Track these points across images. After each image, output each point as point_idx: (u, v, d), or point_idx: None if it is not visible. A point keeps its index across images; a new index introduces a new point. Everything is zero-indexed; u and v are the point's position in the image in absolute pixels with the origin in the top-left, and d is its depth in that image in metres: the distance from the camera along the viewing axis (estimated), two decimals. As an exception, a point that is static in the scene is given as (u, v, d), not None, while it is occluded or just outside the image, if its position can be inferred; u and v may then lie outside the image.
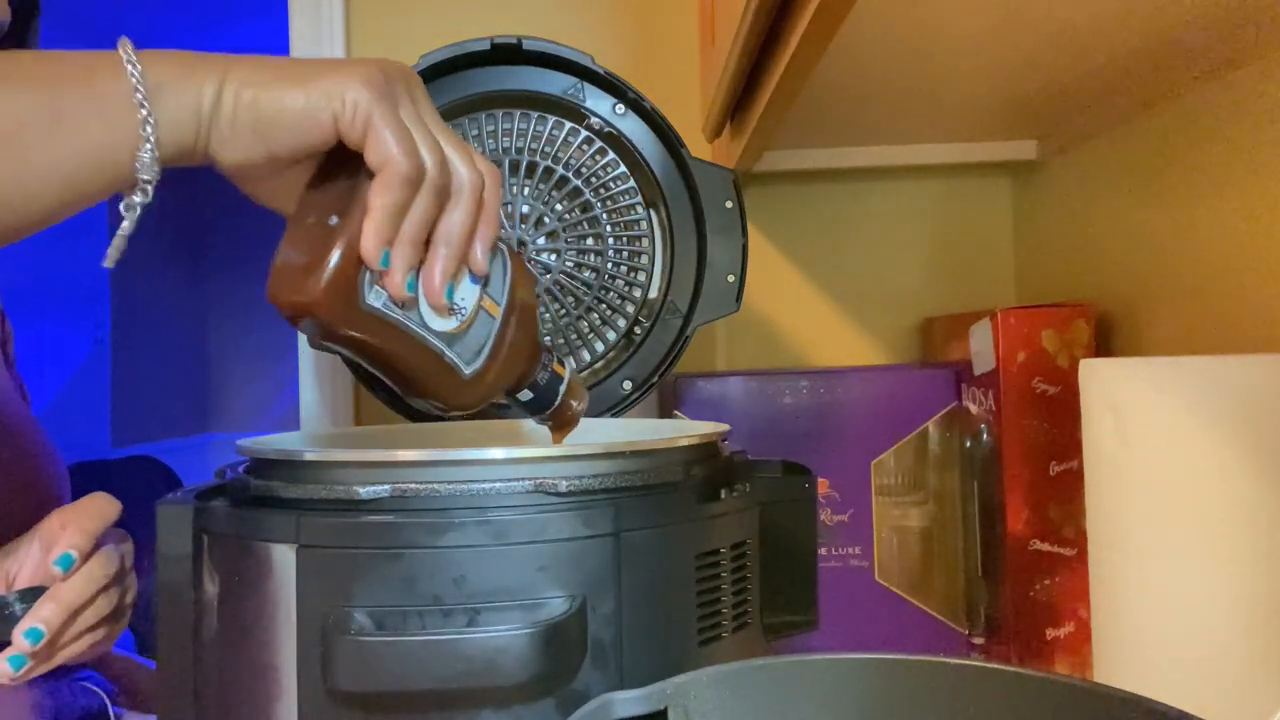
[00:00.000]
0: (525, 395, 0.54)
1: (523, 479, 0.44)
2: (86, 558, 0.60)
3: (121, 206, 0.44)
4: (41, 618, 0.58)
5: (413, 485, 0.44)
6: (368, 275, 0.44)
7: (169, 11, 3.03)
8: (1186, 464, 0.51)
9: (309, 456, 0.47)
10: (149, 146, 0.42)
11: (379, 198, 0.43)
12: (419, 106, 0.46)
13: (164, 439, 4.05)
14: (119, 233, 0.44)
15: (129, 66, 0.42)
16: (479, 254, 0.48)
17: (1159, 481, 0.52)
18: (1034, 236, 1.03)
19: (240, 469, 0.53)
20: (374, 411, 1.07)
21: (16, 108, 0.41)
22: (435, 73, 0.76)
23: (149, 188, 0.43)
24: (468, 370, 0.49)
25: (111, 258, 0.45)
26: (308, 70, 0.44)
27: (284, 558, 0.43)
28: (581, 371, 0.78)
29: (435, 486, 0.44)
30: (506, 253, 0.52)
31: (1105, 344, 0.84)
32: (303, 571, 0.43)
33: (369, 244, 0.43)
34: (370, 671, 0.40)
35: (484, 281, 0.49)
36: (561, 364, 0.55)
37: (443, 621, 0.42)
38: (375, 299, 0.45)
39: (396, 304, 0.46)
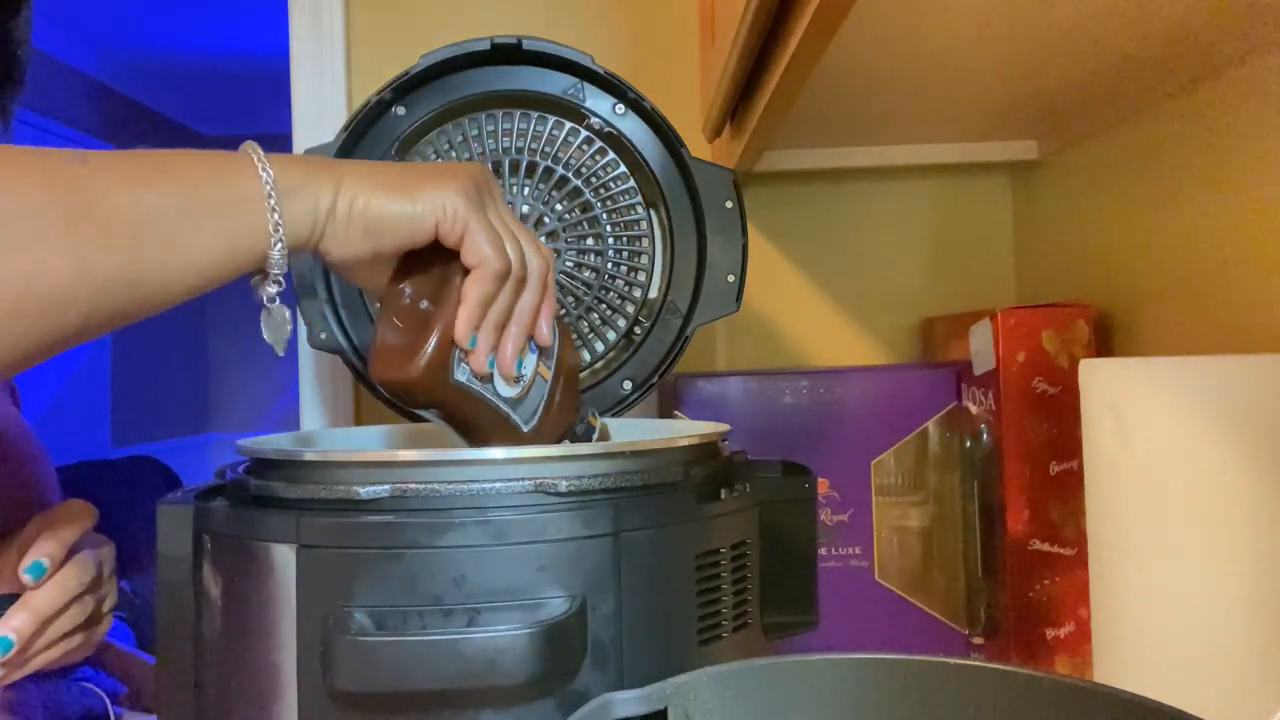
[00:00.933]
0: (565, 445, 0.60)
1: (523, 479, 0.44)
2: (61, 564, 0.60)
3: (264, 300, 0.50)
4: (12, 626, 0.58)
5: (413, 485, 0.44)
6: (456, 354, 0.51)
7: (170, 13, 3.03)
8: (1186, 464, 0.51)
9: (309, 456, 0.47)
10: (280, 246, 0.48)
11: (474, 290, 0.50)
12: (499, 205, 0.53)
13: (164, 439, 4.05)
14: (287, 326, 0.52)
15: (261, 171, 0.47)
16: (544, 330, 0.55)
17: (1159, 481, 0.52)
18: (1034, 236, 1.03)
19: (240, 469, 0.53)
20: (374, 411, 1.07)
21: (163, 202, 0.45)
22: (435, 73, 0.76)
23: (281, 279, 0.49)
24: (526, 428, 0.55)
25: (281, 348, 0.53)
26: (413, 181, 0.50)
27: (284, 558, 0.43)
28: (581, 372, 0.78)
29: (435, 486, 0.44)
30: (557, 322, 0.58)
31: (1105, 344, 0.84)
32: (303, 571, 0.43)
33: (463, 329, 0.50)
34: (370, 671, 0.40)
35: (540, 351, 0.56)
36: (595, 415, 0.62)
37: (443, 621, 0.42)
38: (461, 374, 0.51)
39: (478, 378, 0.52)
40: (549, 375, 0.57)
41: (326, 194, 0.49)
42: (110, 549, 0.66)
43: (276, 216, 0.47)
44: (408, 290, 0.53)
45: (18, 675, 0.60)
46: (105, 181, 0.44)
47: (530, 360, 0.55)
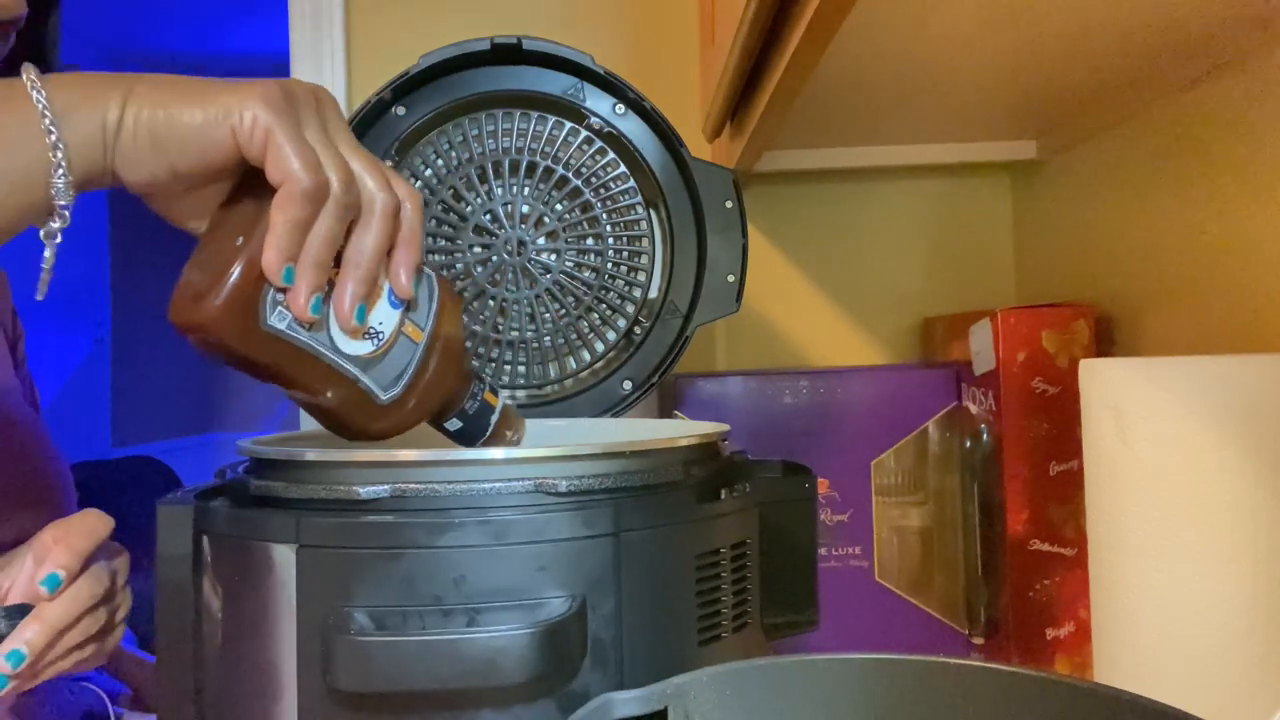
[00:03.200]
0: (453, 424, 0.53)
1: (523, 479, 0.44)
2: (76, 576, 0.60)
3: (41, 235, 0.44)
4: (24, 639, 0.57)
5: (413, 485, 0.44)
6: (270, 295, 0.43)
7: (170, 13, 3.03)
8: (1186, 464, 0.51)
9: (309, 456, 0.47)
10: (62, 171, 0.42)
11: (280, 213, 0.43)
12: (329, 125, 0.46)
13: (164, 439, 4.05)
14: (45, 265, 0.45)
15: (34, 93, 0.42)
16: (402, 277, 0.47)
17: (1159, 481, 0.52)
18: (1034, 236, 1.03)
19: (240, 469, 0.53)
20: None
21: None
22: (435, 73, 0.76)
23: (66, 213, 0.43)
24: (384, 396, 0.48)
25: (41, 291, 0.45)
26: (208, 89, 0.44)
27: (284, 558, 0.43)
28: (581, 372, 0.78)
29: (435, 486, 0.44)
30: (435, 279, 0.51)
31: (1105, 344, 0.84)
32: (303, 571, 0.43)
33: (270, 259, 0.43)
34: (370, 671, 0.40)
35: (406, 306, 0.48)
36: (494, 393, 0.54)
37: (443, 621, 0.42)
38: (279, 320, 0.44)
39: (303, 325, 0.45)
40: (420, 336, 0.49)
41: (114, 109, 0.43)
42: (125, 559, 0.65)
43: (54, 139, 0.42)
44: (222, 225, 0.45)
45: (29, 685, 0.60)
46: None
47: (388, 314, 0.47)
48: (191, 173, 0.44)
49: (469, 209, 0.78)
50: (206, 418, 4.54)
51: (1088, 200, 0.90)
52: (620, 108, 0.77)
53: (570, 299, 0.78)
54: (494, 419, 0.53)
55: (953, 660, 0.40)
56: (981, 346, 0.81)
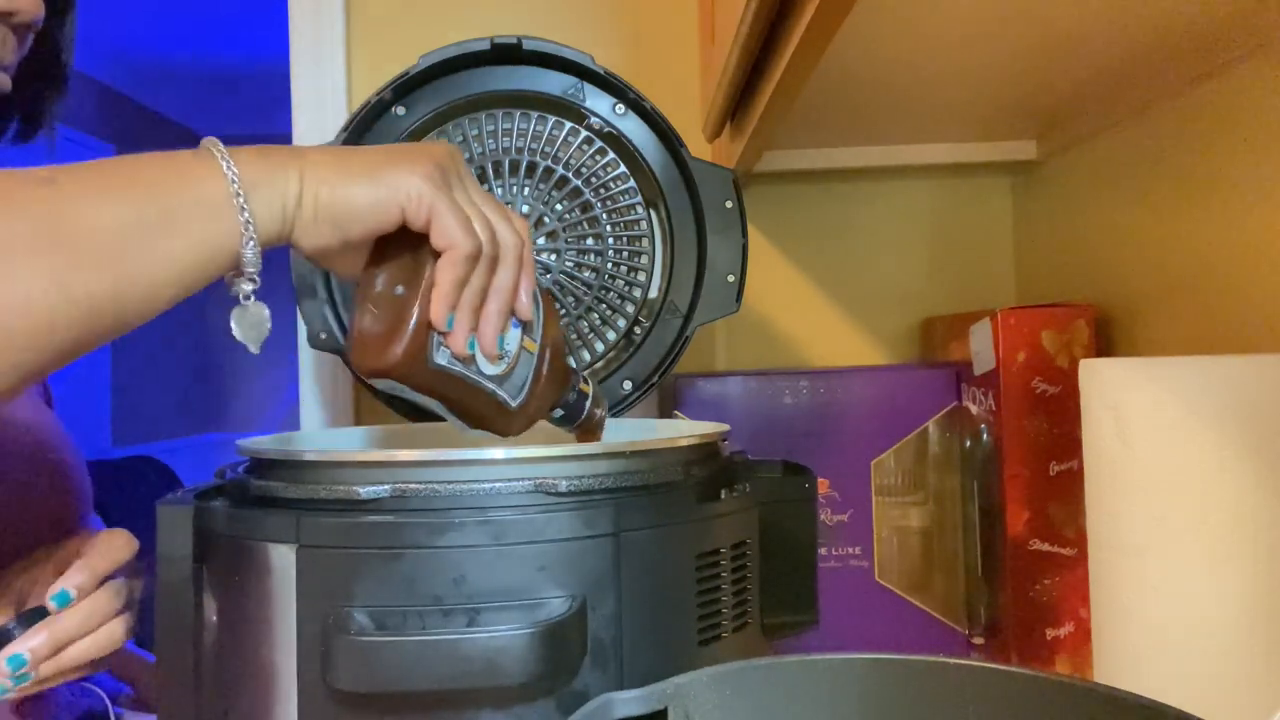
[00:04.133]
0: (557, 414, 0.60)
1: (523, 479, 0.44)
2: (90, 593, 0.61)
3: (239, 296, 0.49)
4: (28, 646, 0.59)
5: (413, 485, 0.44)
6: (434, 338, 0.50)
7: (170, 15, 3.03)
8: (1186, 464, 0.51)
9: (309, 456, 0.47)
10: (252, 242, 0.47)
11: (445, 274, 0.49)
12: (466, 184, 0.52)
13: (164, 439, 4.05)
14: (265, 325, 0.51)
15: (225, 168, 0.46)
16: (524, 303, 0.54)
17: (1159, 481, 0.52)
18: (1034, 236, 1.03)
19: (240, 469, 0.53)
20: (374, 412, 1.07)
21: (126, 215, 0.44)
22: (435, 73, 0.76)
23: (257, 276, 0.49)
24: (514, 403, 0.55)
25: (256, 347, 0.52)
26: (374, 165, 0.49)
27: (284, 558, 0.43)
28: (581, 372, 0.78)
29: (435, 486, 0.44)
30: (538, 293, 0.57)
31: (1105, 344, 0.84)
32: (303, 571, 0.43)
33: (438, 313, 0.49)
34: (370, 671, 0.40)
35: (524, 324, 0.55)
36: (586, 381, 0.61)
37: (443, 621, 0.42)
38: (441, 357, 0.51)
39: (459, 359, 0.51)
40: (534, 348, 0.56)
41: (293, 184, 0.48)
42: (140, 582, 0.66)
43: (246, 215, 0.47)
44: (382, 276, 0.52)
45: (31, 692, 0.61)
46: (75, 200, 0.44)
47: (513, 335, 0.54)
48: (360, 240, 0.50)
49: (469, 209, 0.78)
50: (206, 418, 4.54)
51: (1088, 200, 0.90)
52: (620, 108, 0.77)
53: (570, 299, 0.78)
54: (588, 404, 0.61)
55: (953, 660, 0.40)
56: (981, 346, 0.81)
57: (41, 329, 0.42)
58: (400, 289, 0.51)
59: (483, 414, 0.54)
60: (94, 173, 0.45)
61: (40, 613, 0.61)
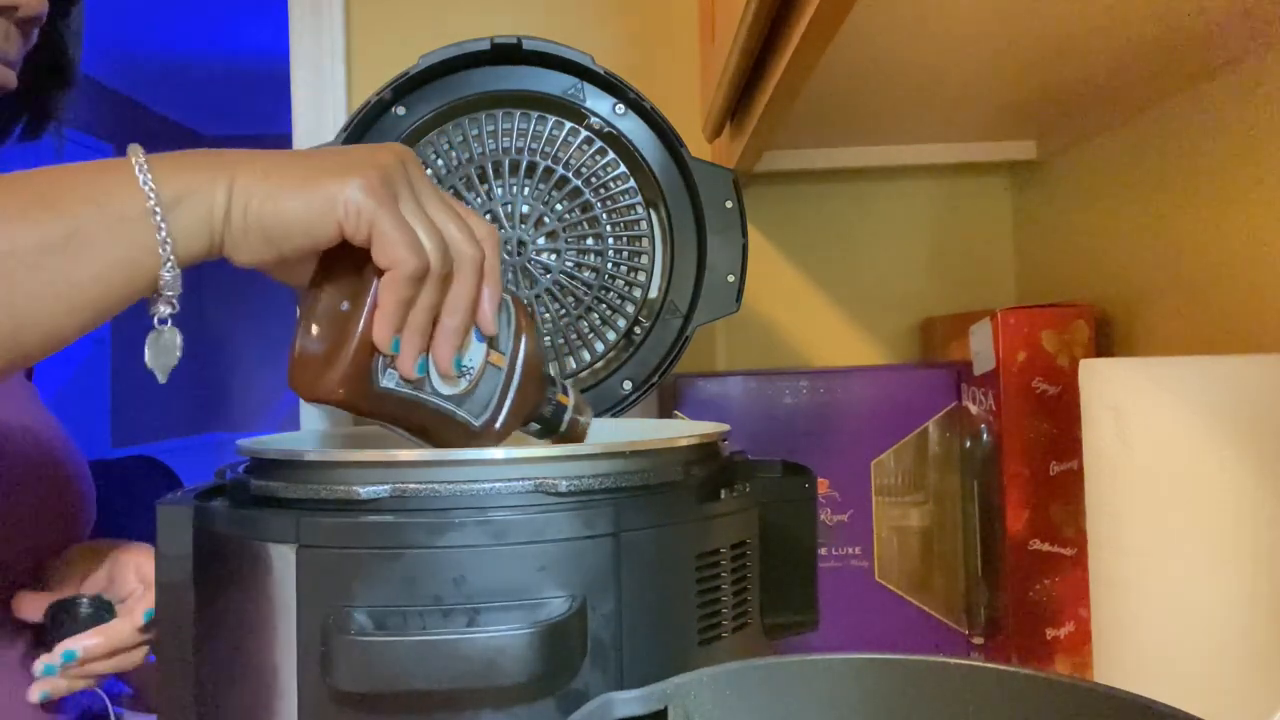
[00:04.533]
0: (533, 427, 0.56)
1: (523, 479, 0.44)
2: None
3: (155, 320, 0.46)
4: (84, 646, 0.61)
5: (413, 485, 0.44)
6: (380, 360, 0.47)
7: (170, 14, 3.03)
8: (1186, 464, 0.51)
9: (309, 456, 0.47)
10: (170, 263, 0.44)
11: (388, 294, 0.45)
12: (417, 191, 0.47)
13: (164, 439, 4.05)
14: (175, 353, 0.47)
15: (143, 182, 0.43)
16: (487, 317, 0.49)
17: (1159, 481, 0.52)
18: (1034, 236, 1.03)
19: (240, 469, 0.53)
20: (374, 411, 1.07)
21: (36, 235, 0.41)
22: (435, 73, 0.76)
23: (174, 300, 0.45)
24: (477, 423, 0.51)
25: (162, 376, 0.48)
26: (309, 174, 0.45)
27: (284, 558, 0.43)
28: (581, 372, 0.78)
29: (435, 486, 0.44)
30: (510, 302, 0.53)
31: (1105, 344, 0.84)
32: (303, 571, 0.43)
33: (381, 335, 0.46)
34: (370, 671, 0.39)
35: (490, 338, 0.51)
36: (566, 391, 0.57)
37: (443, 621, 0.42)
38: (388, 380, 0.47)
39: (408, 383, 0.48)
40: (503, 362, 0.52)
41: (220, 197, 0.44)
42: None
43: (163, 234, 0.43)
44: (326, 290, 0.48)
45: (65, 688, 0.62)
46: None
47: (476, 350, 0.50)
48: (297, 255, 0.46)
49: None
50: (206, 418, 4.55)
51: (1088, 200, 0.90)
52: (620, 108, 0.77)
53: (570, 299, 0.78)
54: (568, 415, 0.56)
55: (953, 660, 0.40)
56: (981, 346, 0.81)
57: None
58: (345, 305, 0.47)
59: (440, 436, 0.50)
60: (5, 189, 0.42)
61: (107, 607, 0.62)
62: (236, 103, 3.91)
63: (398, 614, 0.42)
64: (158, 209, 0.43)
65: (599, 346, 0.78)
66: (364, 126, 0.76)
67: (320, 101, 1.07)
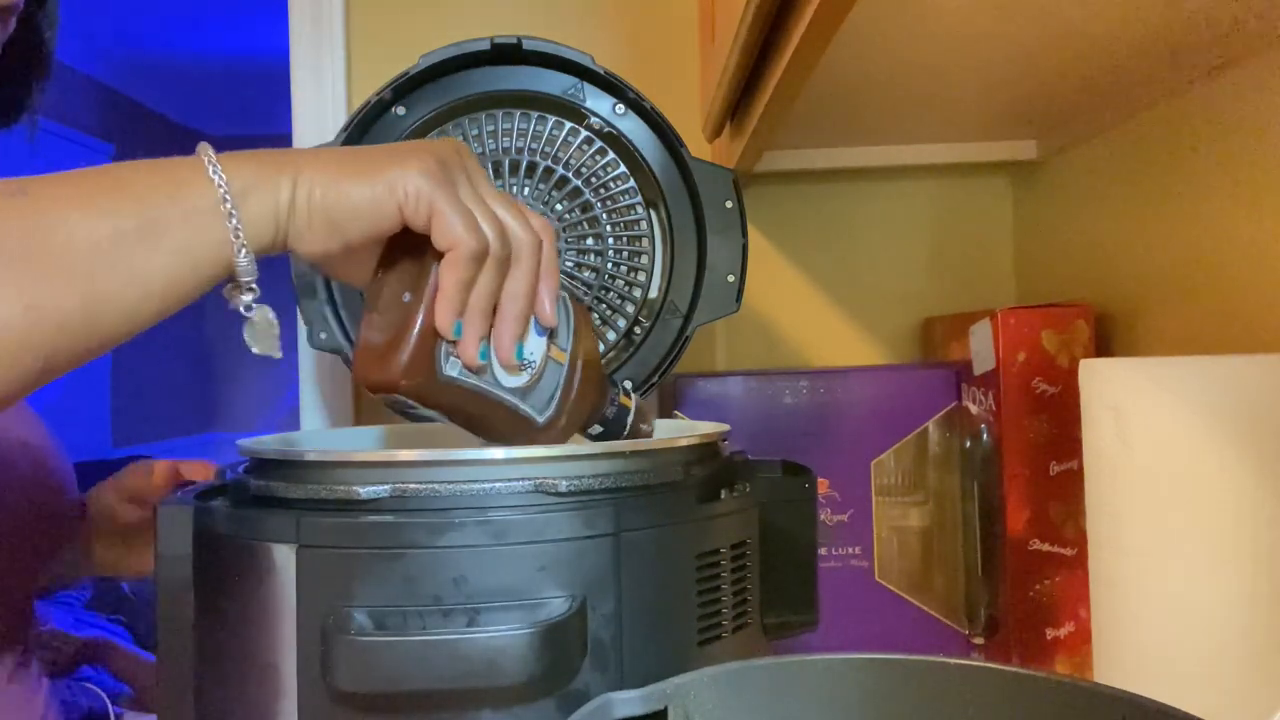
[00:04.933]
0: (595, 430, 0.56)
1: (523, 479, 0.44)
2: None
3: (240, 309, 0.47)
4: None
5: (413, 485, 0.44)
6: (443, 348, 0.47)
7: (170, 13, 3.03)
8: (1186, 464, 0.51)
9: (309, 456, 0.47)
10: (244, 250, 0.45)
11: (449, 276, 0.46)
12: (474, 181, 0.49)
13: (164, 439, 4.05)
14: (274, 333, 0.49)
15: (214, 175, 0.44)
16: (546, 308, 0.50)
17: (1159, 481, 0.52)
18: (1034, 236, 1.03)
19: (240, 469, 0.53)
20: (374, 412, 1.07)
21: (116, 225, 0.43)
22: (435, 73, 0.76)
23: (254, 285, 0.47)
24: (541, 419, 0.51)
25: (276, 351, 0.50)
26: (370, 164, 0.47)
27: (284, 558, 0.43)
28: (623, 383, 0.78)
29: (435, 486, 0.44)
30: (568, 300, 0.54)
31: (1105, 344, 0.84)
32: (303, 571, 0.43)
33: (443, 319, 0.47)
34: (370, 671, 0.40)
35: (550, 332, 0.51)
36: (628, 395, 0.57)
37: (443, 621, 0.42)
38: (451, 369, 0.48)
39: (471, 370, 0.48)
40: (564, 358, 0.52)
41: (285, 189, 0.46)
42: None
43: (235, 222, 0.44)
44: (388, 282, 0.49)
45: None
46: (51, 212, 0.42)
47: (537, 344, 0.50)
48: (363, 243, 0.47)
49: (469, 209, 0.78)
50: (206, 418, 4.55)
51: (1088, 200, 0.90)
52: (620, 108, 0.77)
53: (570, 299, 0.78)
54: (630, 419, 0.56)
55: (953, 660, 0.40)
56: (981, 346, 0.81)
57: (9, 350, 0.40)
58: (407, 295, 0.48)
59: (504, 431, 0.50)
60: (73, 182, 0.44)
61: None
62: (236, 103, 3.91)
63: (398, 614, 0.42)
64: (228, 197, 0.44)
65: (599, 347, 0.78)
66: (364, 126, 0.76)
67: (320, 101, 1.07)
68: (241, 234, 0.45)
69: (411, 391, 0.47)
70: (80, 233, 0.42)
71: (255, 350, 0.49)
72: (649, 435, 0.58)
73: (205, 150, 0.46)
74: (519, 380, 0.50)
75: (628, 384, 0.62)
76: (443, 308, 0.47)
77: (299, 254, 0.48)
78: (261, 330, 0.49)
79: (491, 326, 0.49)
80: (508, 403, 0.50)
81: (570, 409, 0.52)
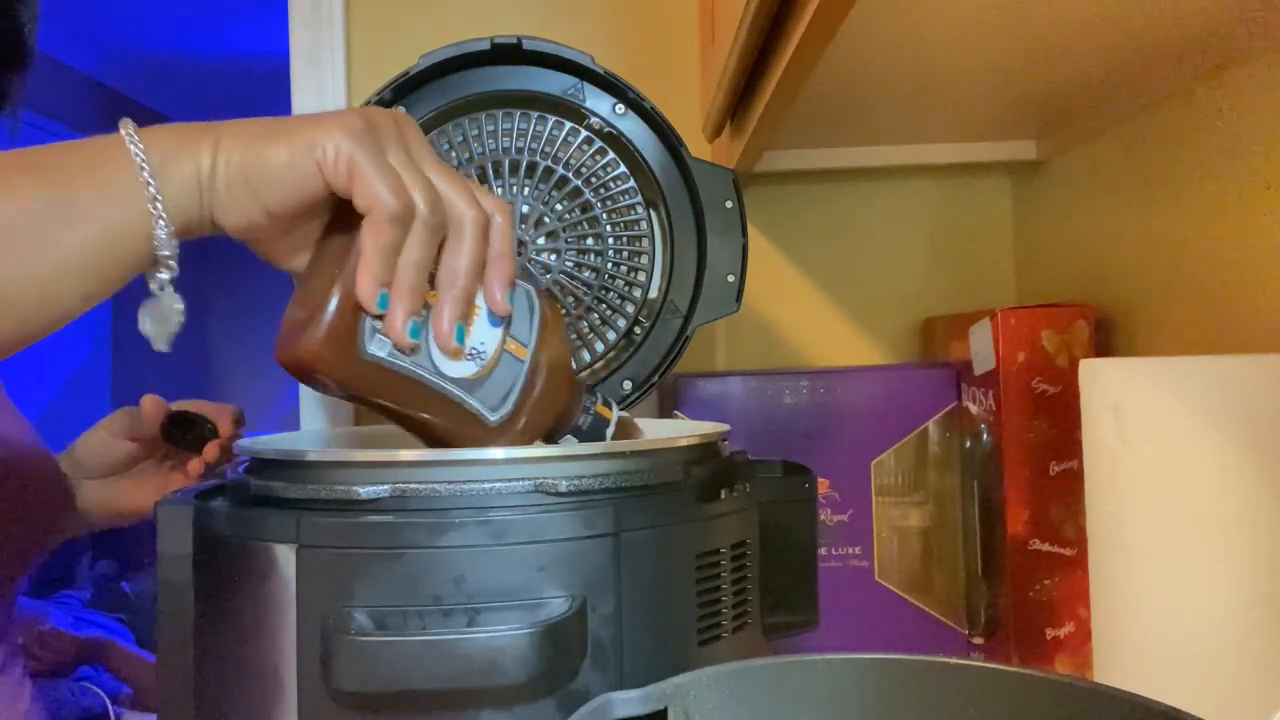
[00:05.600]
0: (567, 439, 0.53)
1: (523, 479, 0.44)
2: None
3: (153, 287, 0.45)
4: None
5: (413, 485, 0.44)
6: (368, 324, 0.44)
7: (170, 13, 3.03)
8: (1186, 464, 0.51)
9: (309, 456, 0.47)
10: (162, 223, 0.43)
11: (369, 239, 0.43)
12: (411, 148, 0.46)
13: (164, 439, 4.03)
14: (176, 318, 0.46)
15: (131, 146, 0.42)
16: (496, 293, 0.47)
17: (1159, 481, 0.52)
18: (1034, 236, 1.03)
19: (240, 469, 0.53)
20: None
21: (26, 203, 0.41)
22: (435, 73, 0.76)
23: (172, 263, 0.44)
24: (493, 417, 0.47)
25: (165, 343, 0.46)
26: (291, 126, 0.44)
27: (284, 558, 0.43)
28: (581, 372, 0.78)
29: (435, 486, 0.44)
30: (534, 294, 0.50)
31: (1105, 344, 0.84)
32: (303, 571, 0.43)
33: (364, 286, 0.43)
34: (370, 671, 0.40)
35: (506, 323, 0.48)
36: (608, 405, 0.53)
37: (443, 621, 0.42)
38: (379, 348, 0.44)
39: (403, 351, 0.44)
40: (524, 354, 0.48)
41: (205, 157, 0.43)
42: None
43: (153, 190, 0.42)
44: (319, 260, 0.46)
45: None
46: None
47: (489, 334, 0.47)
48: (285, 210, 0.44)
49: (469, 209, 0.77)
50: (206, 418, 4.54)
51: (1088, 200, 0.90)
52: (620, 108, 0.77)
53: (570, 299, 0.78)
54: (609, 432, 0.52)
55: (953, 660, 0.40)
56: (981, 346, 0.81)
57: None
58: (335, 271, 0.44)
59: (450, 427, 0.47)
60: None
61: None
62: (236, 102, 3.91)
63: (398, 614, 0.42)
64: (145, 167, 0.42)
65: (599, 346, 0.78)
66: (364, 126, 0.76)
67: (320, 101, 1.07)
68: (160, 205, 0.42)
69: (330, 368, 0.43)
70: None
71: (144, 331, 0.46)
72: None
73: (125, 124, 0.44)
74: (464, 370, 0.46)
75: (611, 400, 0.59)
76: (363, 275, 0.43)
77: (223, 226, 0.45)
78: (161, 315, 0.46)
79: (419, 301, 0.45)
80: (450, 394, 0.46)
81: (530, 409, 0.48)
